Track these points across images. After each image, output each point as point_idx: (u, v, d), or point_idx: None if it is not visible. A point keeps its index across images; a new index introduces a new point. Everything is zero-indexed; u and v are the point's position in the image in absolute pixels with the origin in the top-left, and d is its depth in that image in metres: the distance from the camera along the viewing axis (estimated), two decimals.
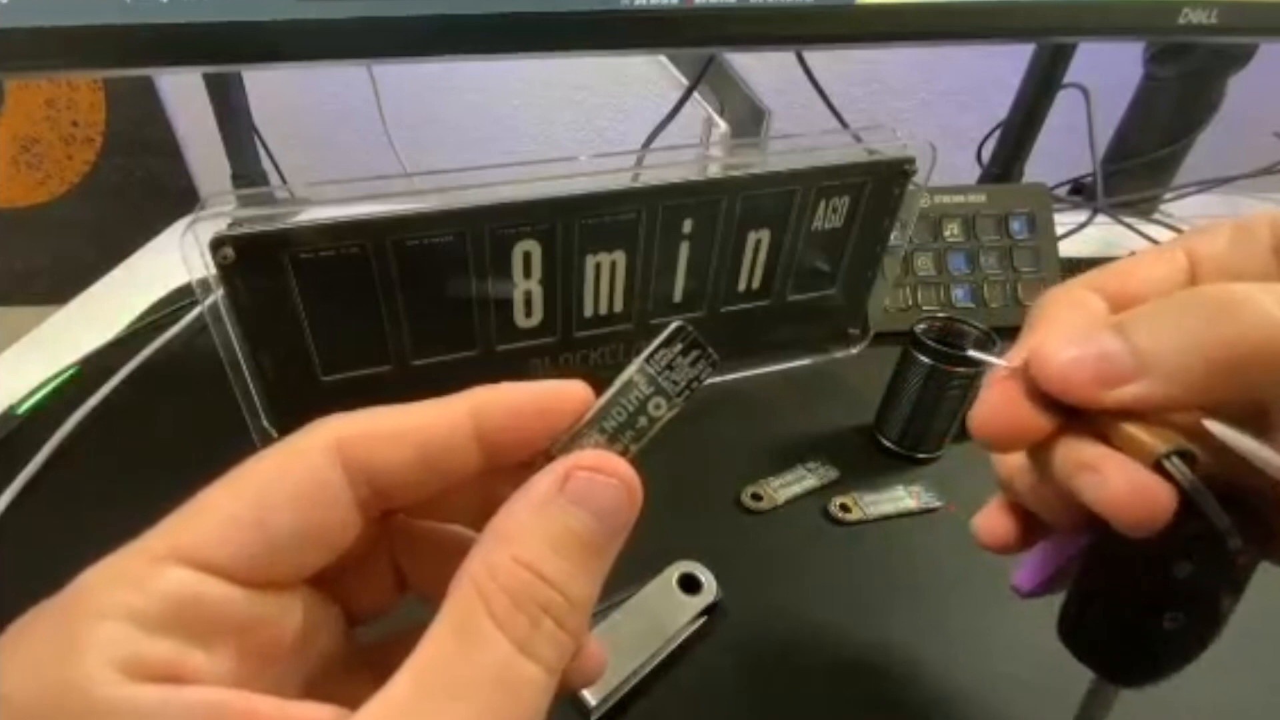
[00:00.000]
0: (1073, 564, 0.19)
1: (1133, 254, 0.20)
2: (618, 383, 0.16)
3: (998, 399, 0.17)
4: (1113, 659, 0.18)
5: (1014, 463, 0.20)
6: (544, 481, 0.14)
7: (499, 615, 0.13)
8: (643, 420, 0.16)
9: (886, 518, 0.36)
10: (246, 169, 0.64)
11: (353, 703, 0.12)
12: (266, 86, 0.80)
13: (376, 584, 0.18)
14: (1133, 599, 0.17)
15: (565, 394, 0.16)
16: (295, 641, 0.15)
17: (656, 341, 0.16)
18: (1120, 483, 0.15)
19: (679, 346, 0.16)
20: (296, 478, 0.14)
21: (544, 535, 0.14)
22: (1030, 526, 0.20)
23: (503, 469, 0.16)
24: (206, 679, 0.12)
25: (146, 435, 0.41)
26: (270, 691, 0.13)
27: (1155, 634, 0.17)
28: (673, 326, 0.16)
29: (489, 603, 0.13)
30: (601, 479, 0.14)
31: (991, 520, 0.21)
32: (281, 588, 0.14)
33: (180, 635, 0.12)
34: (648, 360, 0.16)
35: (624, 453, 0.16)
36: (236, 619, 0.13)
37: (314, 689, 0.15)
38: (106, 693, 0.11)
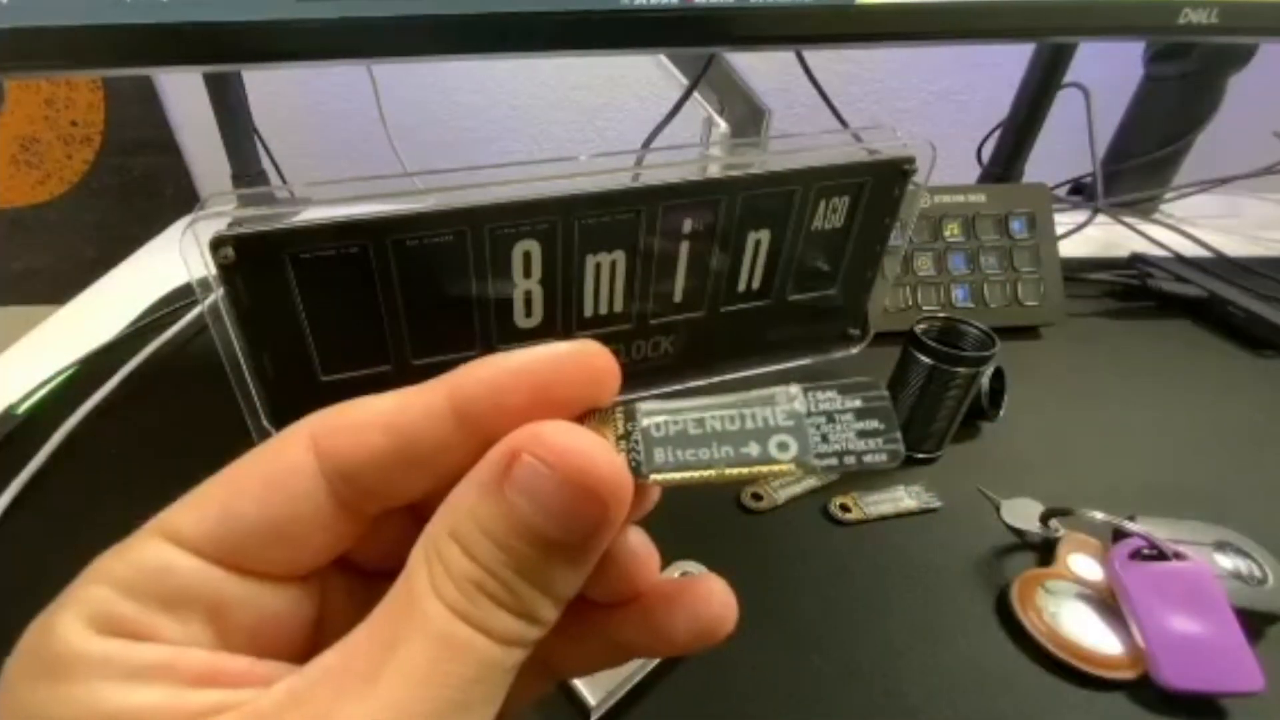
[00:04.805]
0: None
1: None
2: (760, 389, 0.12)
3: None
4: None
5: None
6: (492, 456, 0.12)
7: (435, 581, 0.12)
8: (753, 449, 0.12)
9: (886, 518, 0.36)
10: (246, 169, 0.64)
11: None
12: (266, 86, 0.80)
13: None
14: None
15: (564, 361, 0.13)
16: (304, 640, 0.15)
17: (835, 380, 0.12)
18: None
19: (856, 403, 0.12)
20: (268, 469, 0.14)
21: (473, 515, 0.12)
22: None
23: None
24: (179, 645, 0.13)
25: (146, 435, 0.41)
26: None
27: None
28: (864, 378, 0.12)
29: (430, 568, 0.12)
30: (546, 472, 0.12)
31: None
32: (277, 579, 0.14)
33: (151, 602, 0.13)
34: (808, 390, 0.12)
35: (715, 477, 0.12)
36: (207, 594, 0.13)
37: None
38: (70, 640, 0.12)
